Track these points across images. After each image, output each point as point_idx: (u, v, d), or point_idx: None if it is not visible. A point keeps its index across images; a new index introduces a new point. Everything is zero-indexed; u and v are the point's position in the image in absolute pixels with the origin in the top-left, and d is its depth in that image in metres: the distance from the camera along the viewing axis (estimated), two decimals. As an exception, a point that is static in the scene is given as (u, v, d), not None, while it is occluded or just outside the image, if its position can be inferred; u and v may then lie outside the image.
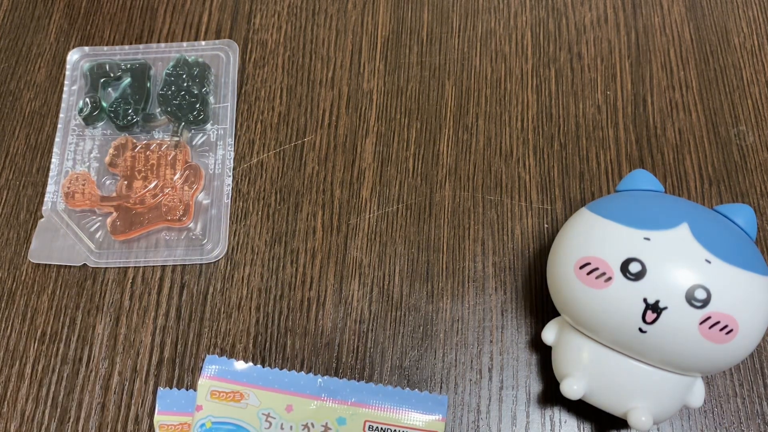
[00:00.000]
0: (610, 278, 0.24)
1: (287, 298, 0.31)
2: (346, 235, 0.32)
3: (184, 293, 0.31)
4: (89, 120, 0.35)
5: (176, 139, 0.34)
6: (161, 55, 0.37)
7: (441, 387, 0.29)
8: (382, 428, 0.27)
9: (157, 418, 0.28)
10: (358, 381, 0.29)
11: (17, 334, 0.31)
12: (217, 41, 0.37)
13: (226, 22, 0.38)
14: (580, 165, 0.33)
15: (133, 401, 0.29)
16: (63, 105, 0.36)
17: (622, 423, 0.28)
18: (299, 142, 0.35)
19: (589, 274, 0.24)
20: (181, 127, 0.35)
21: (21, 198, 0.34)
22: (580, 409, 0.28)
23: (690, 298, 0.23)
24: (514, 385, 0.29)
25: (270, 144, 0.35)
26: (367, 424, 0.27)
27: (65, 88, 0.36)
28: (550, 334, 0.27)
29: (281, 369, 0.29)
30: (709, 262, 0.23)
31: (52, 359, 0.30)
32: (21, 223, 0.33)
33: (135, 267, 0.32)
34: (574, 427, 0.28)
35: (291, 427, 0.27)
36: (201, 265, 0.32)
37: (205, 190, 0.34)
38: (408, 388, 0.28)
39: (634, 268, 0.24)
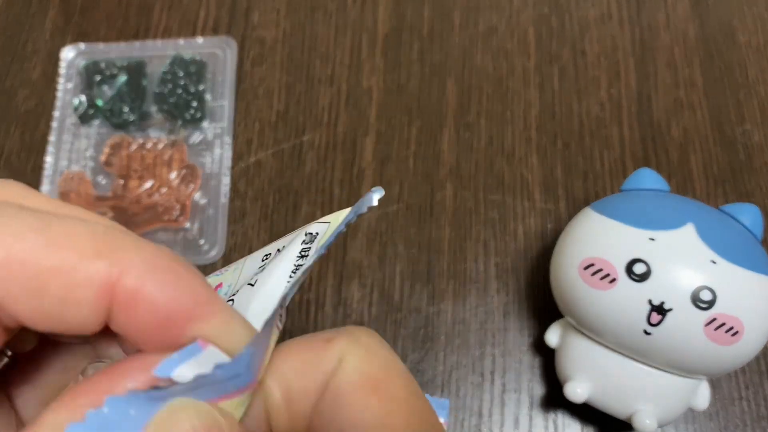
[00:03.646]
0: (614, 279, 0.24)
1: (286, 300, 0.31)
2: (346, 236, 0.32)
3: (181, 294, 0.31)
4: (84, 118, 0.35)
5: (173, 137, 0.34)
6: (157, 53, 0.36)
7: (442, 390, 0.29)
8: None
9: None
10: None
11: (11, 336, 0.30)
12: (214, 38, 0.36)
13: (223, 18, 0.37)
14: (583, 164, 0.33)
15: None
16: (58, 103, 0.35)
17: (627, 426, 0.28)
18: (298, 141, 0.34)
19: (593, 275, 0.24)
20: (177, 125, 0.34)
21: (15, 198, 0.34)
22: (584, 412, 0.28)
23: (695, 300, 0.23)
24: (516, 388, 0.29)
25: (268, 143, 0.34)
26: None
27: (60, 86, 0.36)
28: (553, 336, 0.27)
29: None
30: (715, 262, 0.23)
31: (47, 362, 0.30)
32: (15, 224, 0.33)
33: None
34: (578, 431, 0.28)
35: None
36: (198, 266, 0.32)
37: (202, 190, 0.33)
38: (409, 391, 0.28)
39: (639, 269, 0.23)
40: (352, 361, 0.12)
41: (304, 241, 0.14)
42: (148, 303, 0.11)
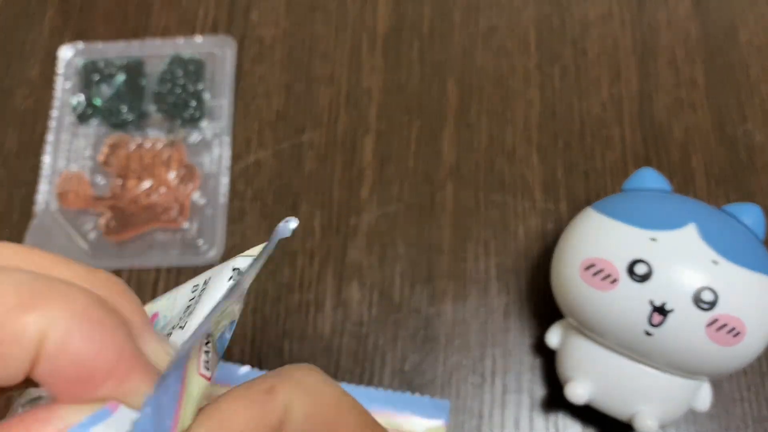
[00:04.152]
0: (615, 280, 0.24)
1: (285, 301, 0.31)
2: (345, 236, 0.32)
3: (180, 295, 0.31)
4: (83, 118, 0.34)
5: (171, 137, 0.34)
6: (156, 52, 0.36)
7: (442, 391, 0.29)
8: (382, 433, 0.27)
9: None
10: (357, 385, 0.28)
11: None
12: (213, 37, 0.36)
13: (222, 17, 0.37)
14: (584, 164, 0.33)
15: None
16: (56, 103, 0.35)
17: (628, 427, 0.28)
18: (297, 140, 0.34)
19: (594, 275, 0.24)
20: (176, 125, 0.34)
21: (14, 198, 0.33)
22: (585, 413, 0.28)
23: (697, 300, 0.23)
24: (517, 389, 0.29)
25: (267, 142, 0.34)
26: (367, 429, 0.27)
27: (58, 86, 0.36)
28: (554, 337, 0.27)
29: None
30: (717, 263, 0.23)
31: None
32: (14, 224, 0.33)
33: (129, 268, 0.31)
34: (579, 432, 0.28)
35: None
36: (197, 267, 0.31)
37: (201, 190, 0.33)
38: (409, 393, 0.28)
39: (640, 269, 0.23)
40: (299, 408, 0.11)
41: (231, 277, 0.13)
42: (74, 358, 0.10)
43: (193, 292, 0.14)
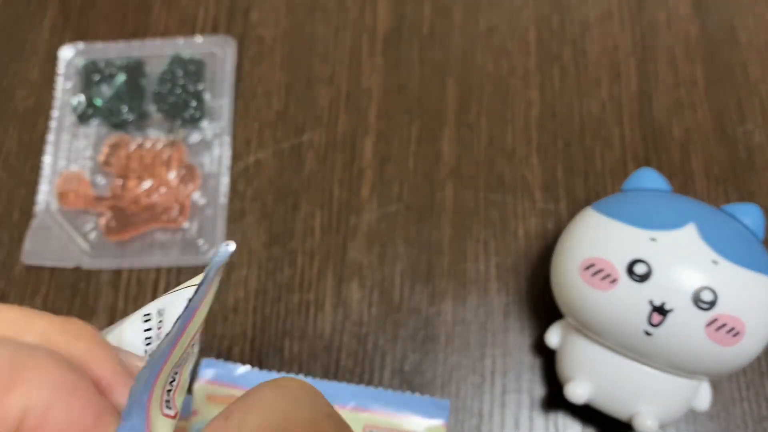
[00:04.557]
0: (615, 280, 0.24)
1: (285, 301, 0.31)
2: (345, 236, 0.32)
3: (180, 295, 0.31)
4: (83, 118, 0.34)
5: (172, 137, 0.34)
6: (156, 52, 0.36)
7: (442, 391, 0.29)
8: (382, 433, 0.27)
9: None
10: (357, 385, 0.28)
11: (10, 336, 0.30)
12: (213, 37, 0.36)
13: (222, 17, 0.37)
14: (584, 164, 0.33)
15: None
16: (56, 103, 0.35)
17: (627, 427, 0.28)
18: (297, 140, 0.34)
19: (594, 275, 0.24)
20: (176, 125, 0.34)
21: (14, 198, 0.33)
22: (585, 413, 0.28)
23: (696, 300, 0.23)
24: (517, 389, 0.29)
25: (268, 142, 0.34)
26: (367, 429, 0.27)
27: (59, 86, 0.36)
28: (554, 336, 0.27)
29: (279, 372, 0.28)
30: (716, 263, 0.23)
31: (46, 362, 0.30)
32: (14, 224, 0.33)
33: (129, 268, 0.32)
34: (579, 432, 0.28)
35: None
36: (197, 266, 0.31)
37: (201, 190, 0.33)
38: (409, 392, 0.28)
39: (639, 269, 0.23)
40: (249, 427, 0.12)
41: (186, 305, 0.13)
42: (54, 429, 0.11)
43: (145, 321, 0.14)
